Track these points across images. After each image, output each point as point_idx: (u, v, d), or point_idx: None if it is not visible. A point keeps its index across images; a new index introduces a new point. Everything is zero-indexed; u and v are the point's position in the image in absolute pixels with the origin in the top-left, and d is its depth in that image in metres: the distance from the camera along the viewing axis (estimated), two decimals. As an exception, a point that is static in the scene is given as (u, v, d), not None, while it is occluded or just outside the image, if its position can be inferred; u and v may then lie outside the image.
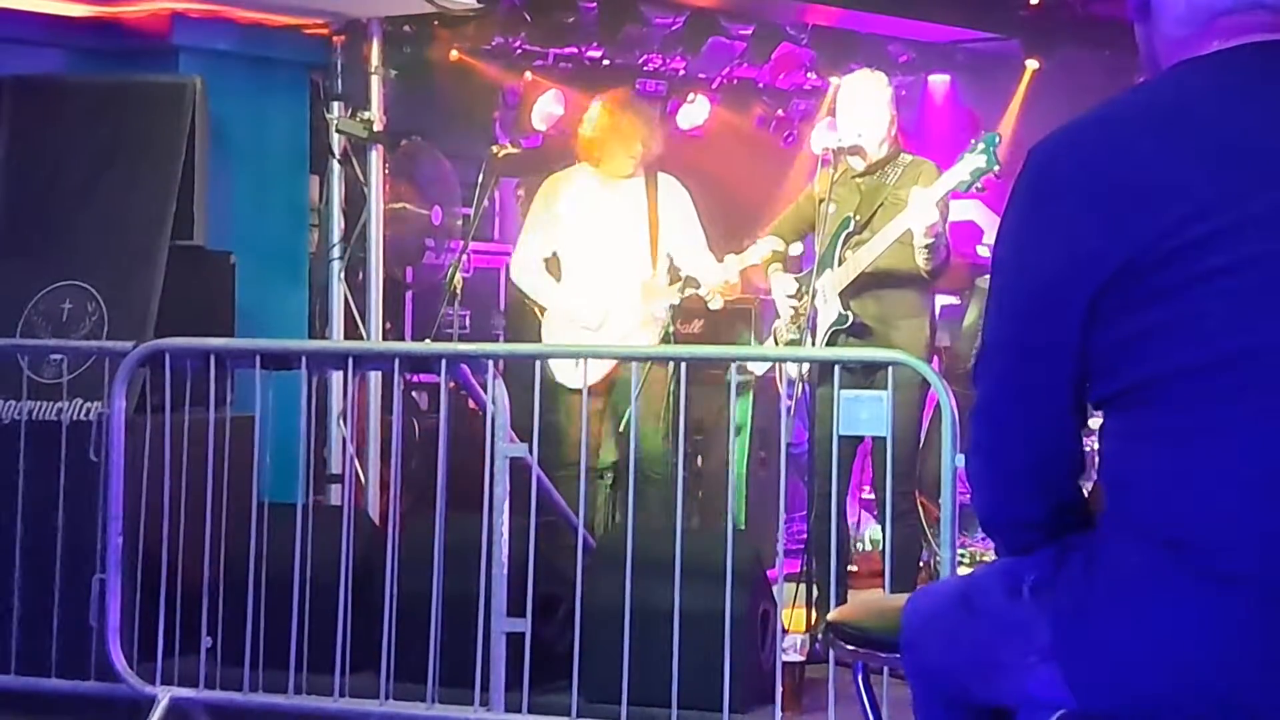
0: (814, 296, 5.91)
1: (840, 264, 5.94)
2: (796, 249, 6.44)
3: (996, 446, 2.27)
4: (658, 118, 7.06)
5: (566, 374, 6.34)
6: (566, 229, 6.75)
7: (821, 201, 5.99)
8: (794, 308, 6.06)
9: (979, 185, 5.72)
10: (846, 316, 5.90)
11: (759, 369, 7.20)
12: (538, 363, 5.26)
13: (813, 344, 5.89)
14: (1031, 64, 8.86)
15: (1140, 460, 2.14)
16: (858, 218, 5.96)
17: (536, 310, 6.96)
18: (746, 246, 6.57)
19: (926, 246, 5.75)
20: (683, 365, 5.89)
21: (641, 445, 6.15)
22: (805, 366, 5.83)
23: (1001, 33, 8.73)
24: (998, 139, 5.68)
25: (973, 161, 5.65)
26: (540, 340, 6.78)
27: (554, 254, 6.82)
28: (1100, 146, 2.16)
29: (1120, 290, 2.11)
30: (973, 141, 5.72)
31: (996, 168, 5.62)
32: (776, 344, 6.23)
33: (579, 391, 5.46)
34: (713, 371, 6.88)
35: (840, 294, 5.92)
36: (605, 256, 6.67)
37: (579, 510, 5.12)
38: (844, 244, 5.96)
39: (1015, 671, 2.24)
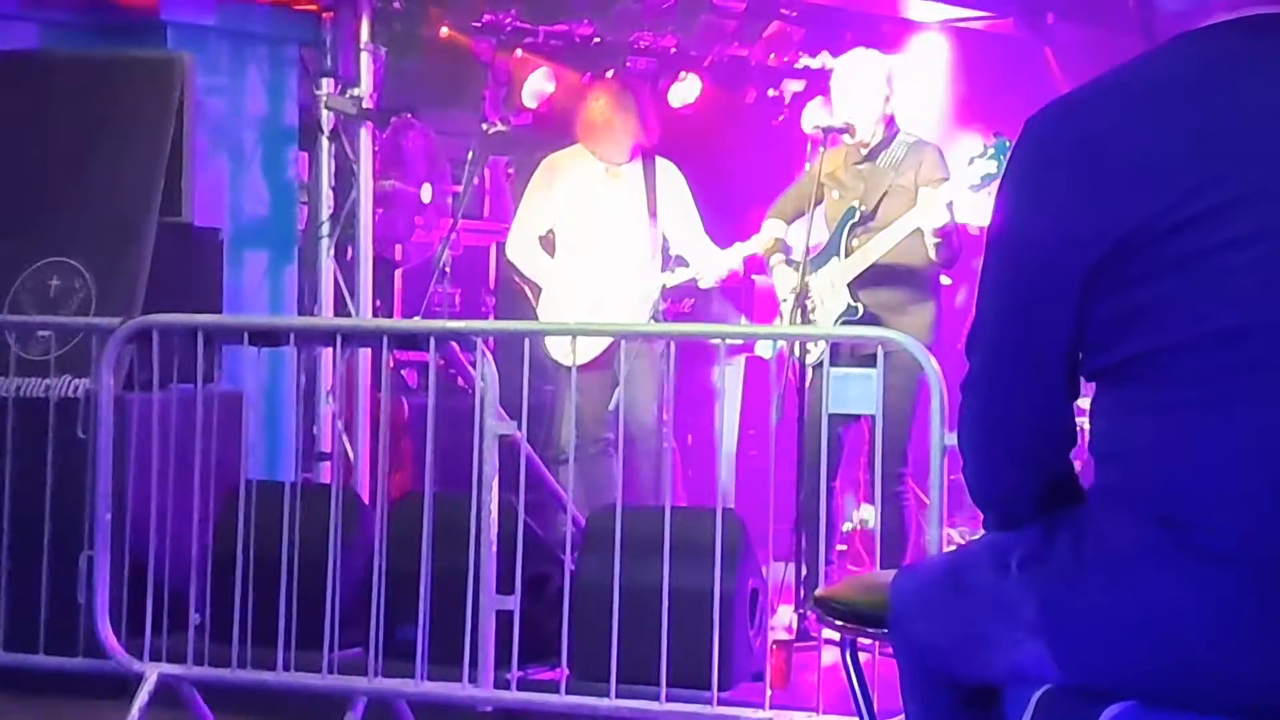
0: (817, 283, 5.90)
1: (847, 254, 5.93)
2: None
3: (987, 419, 2.26)
4: (648, 103, 7.04)
5: (562, 352, 6.30)
6: (564, 210, 6.72)
7: (822, 185, 5.97)
8: (794, 295, 6.04)
9: (988, 190, 5.71)
10: (856, 308, 5.88)
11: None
12: (527, 340, 5.24)
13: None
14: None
15: (1133, 435, 2.13)
16: (864, 207, 5.95)
17: (528, 291, 6.92)
18: (740, 235, 6.55)
19: (935, 244, 5.77)
20: (672, 344, 5.87)
21: (636, 418, 6.14)
22: (799, 348, 5.82)
23: (996, 11, 8.70)
24: (1008, 145, 5.66)
25: (983, 167, 5.64)
26: (535, 319, 6.75)
27: (549, 231, 6.79)
28: (1099, 119, 2.13)
29: (1117, 264, 2.09)
30: (983, 145, 5.71)
31: None
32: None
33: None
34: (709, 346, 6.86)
35: (849, 285, 5.92)
36: (603, 241, 6.64)
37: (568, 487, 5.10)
38: (850, 234, 5.95)
39: (1002, 647, 2.23)
